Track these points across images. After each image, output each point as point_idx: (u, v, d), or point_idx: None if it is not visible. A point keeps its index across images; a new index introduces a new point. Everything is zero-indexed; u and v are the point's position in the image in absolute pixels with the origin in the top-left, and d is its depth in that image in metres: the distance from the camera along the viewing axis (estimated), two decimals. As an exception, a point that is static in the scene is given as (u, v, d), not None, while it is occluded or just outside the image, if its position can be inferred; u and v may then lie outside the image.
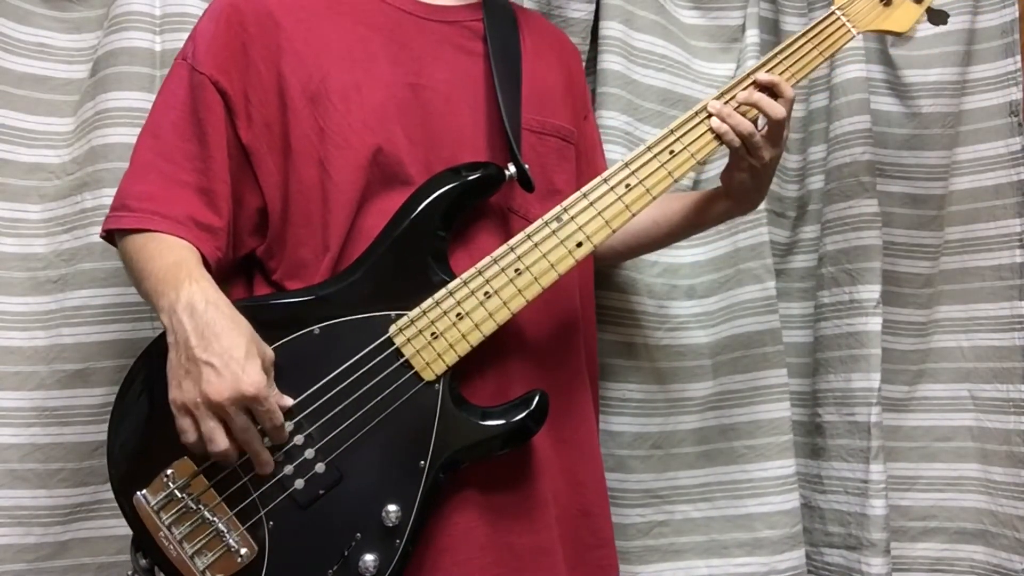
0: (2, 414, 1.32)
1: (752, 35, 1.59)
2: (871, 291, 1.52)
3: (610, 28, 1.52)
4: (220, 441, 0.92)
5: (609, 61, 1.51)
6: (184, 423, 0.92)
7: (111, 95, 1.37)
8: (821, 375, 1.58)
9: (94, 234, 1.34)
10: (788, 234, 1.66)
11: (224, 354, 0.91)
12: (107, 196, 1.34)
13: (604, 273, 1.49)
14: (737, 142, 1.09)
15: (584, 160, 1.27)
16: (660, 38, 1.57)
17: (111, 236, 1.08)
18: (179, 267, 0.98)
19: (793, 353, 1.61)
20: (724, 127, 1.08)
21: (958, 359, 1.61)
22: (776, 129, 1.10)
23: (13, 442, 1.31)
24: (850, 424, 1.53)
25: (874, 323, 1.51)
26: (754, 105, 1.09)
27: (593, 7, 1.53)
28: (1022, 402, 1.55)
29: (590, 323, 1.24)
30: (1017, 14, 1.58)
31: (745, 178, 1.15)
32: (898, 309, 1.60)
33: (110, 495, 1.31)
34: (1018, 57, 1.57)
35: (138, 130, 1.32)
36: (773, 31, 1.65)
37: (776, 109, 1.09)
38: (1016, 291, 1.56)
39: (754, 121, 1.10)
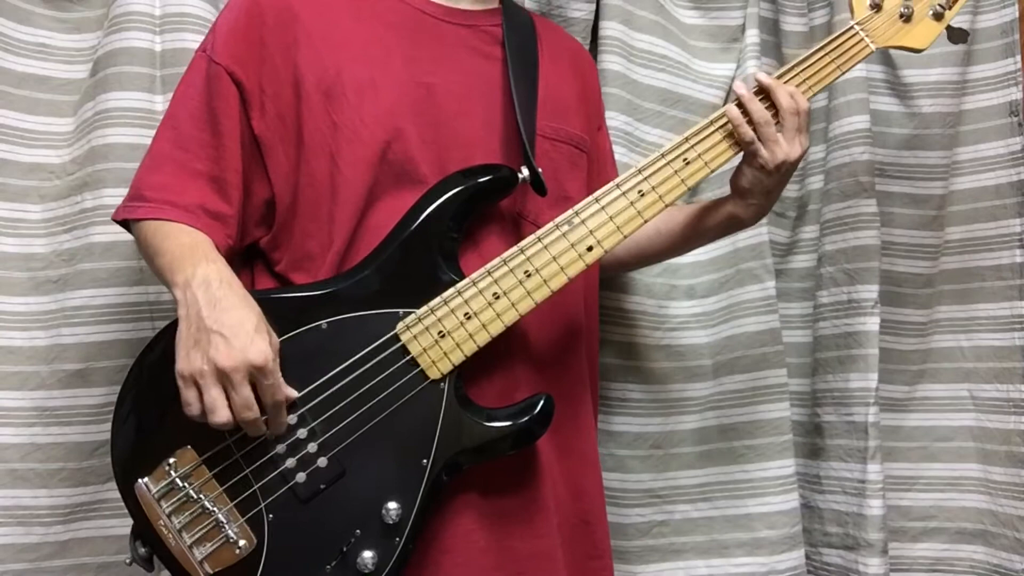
0: (2, 414, 1.32)
1: (752, 35, 1.59)
2: (869, 291, 1.52)
3: (610, 28, 1.52)
4: (222, 411, 0.91)
5: (609, 61, 1.51)
6: (189, 395, 0.92)
7: (111, 95, 1.37)
8: (820, 375, 1.58)
9: (94, 234, 1.34)
10: (788, 234, 1.66)
11: (235, 325, 0.92)
12: (107, 196, 1.34)
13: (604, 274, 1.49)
14: (750, 135, 1.08)
15: (596, 170, 1.26)
16: (660, 38, 1.57)
17: (124, 221, 1.10)
18: (195, 248, 1.00)
19: (793, 353, 1.61)
20: (740, 118, 1.08)
21: (958, 359, 1.61)
22: (791, 122, 1.09)
23: (13, 442, 1.31)
24: (848, 424, 1.53)
25: (872, 323, 1.51)
26: (771, 92, 1.09)
27: (593, 7, 1.53)
28: (1022, 402, 1.54)
29: (593, 333, 1.24)
30: (1017, 14, 1.57)
31: (756, 176, 1.11)
32: (898, 309, 1.60)
33: (111, 495, 1.32)
34: (1018, 57, 1.56)
35: (138, 130, 1.35)
36: (773, 31, 1.65)
37: (796, 100, 1.09)
38: (1016, 291, 1.56)
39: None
